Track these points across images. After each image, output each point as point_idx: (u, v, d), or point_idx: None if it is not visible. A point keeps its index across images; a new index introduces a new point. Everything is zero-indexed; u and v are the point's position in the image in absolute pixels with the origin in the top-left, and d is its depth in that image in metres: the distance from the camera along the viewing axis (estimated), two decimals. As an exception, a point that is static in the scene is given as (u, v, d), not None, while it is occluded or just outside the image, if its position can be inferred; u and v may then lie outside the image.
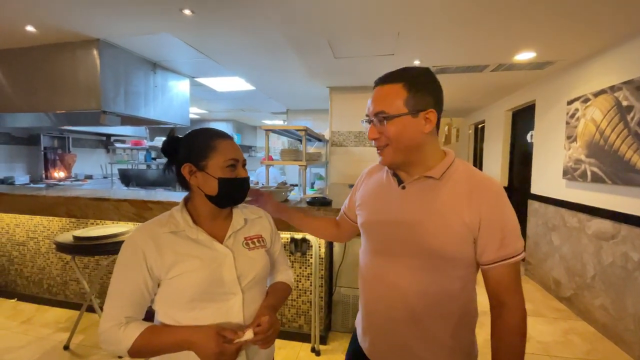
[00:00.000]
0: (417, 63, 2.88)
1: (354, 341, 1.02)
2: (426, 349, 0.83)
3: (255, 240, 0.96)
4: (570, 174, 2.79)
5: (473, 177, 0.81)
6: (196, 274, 0.82)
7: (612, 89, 2.32)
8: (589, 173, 2.55)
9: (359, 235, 1.06)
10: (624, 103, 2.21)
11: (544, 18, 1.99)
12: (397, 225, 0.83)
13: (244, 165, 0.94)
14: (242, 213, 0.98)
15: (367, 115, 0.84)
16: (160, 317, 0.86)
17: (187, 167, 0.88)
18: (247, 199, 1.03)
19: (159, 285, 0.84)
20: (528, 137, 3.78)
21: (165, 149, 0.92)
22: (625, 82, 2.21)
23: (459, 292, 0.81)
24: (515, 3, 1.82)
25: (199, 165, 0.88)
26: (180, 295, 0.82)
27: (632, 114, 2.14)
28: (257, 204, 1.14)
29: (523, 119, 3.98)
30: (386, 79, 0.82)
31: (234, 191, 0.91)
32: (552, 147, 3.15)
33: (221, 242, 0.89)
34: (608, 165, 2.35)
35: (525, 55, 2.62)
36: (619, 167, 2.24)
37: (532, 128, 3.62)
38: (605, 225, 2.42)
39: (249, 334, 0.80)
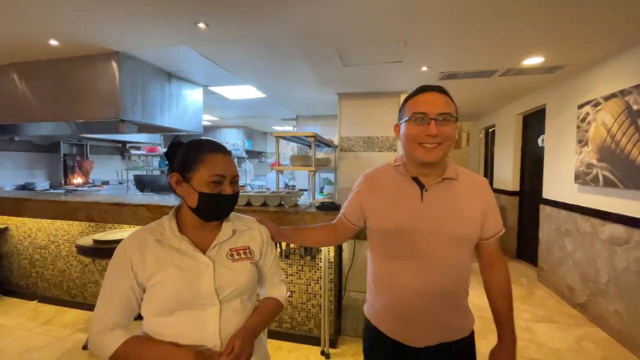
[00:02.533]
0: (424, 69, 2.92)
1: (375, 336, 1.04)
2: (455, 314, 1.00)
3: (241, 251, 0.94)
4: (582, 178, 2.77)
5: (470, 174, 1.03)
6: (173, 283, 0.83)
7: (623, 92, 2.31)
8: (601, 177, 2.53)
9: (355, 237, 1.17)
10: (635, 107, 2.19)
11: (550, 23, 2.00)
12: (426, 224, 0.95)
13: (234, 181, 0.92)
14: (231, 224, 0.97)
15: (422, 113, 0.92)
16: (144, 323, 0.87)
17: (175, 177, 0.90)
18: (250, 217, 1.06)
19: (144, 292, 0.86)
20: (539, 142, 3.76)
21: (167, 154, 0.94)
22: (635, 86, 2.20)
23: (469, 263, 1.01)
24: (521, 9, 1.85)
25: (185, 177, 0.88)
26: (159, 302, 0.83)
27: (643, 118, 2.13)
28: None
29: (534, 123, 3.96)
30: (440, 89, 0.95)
31: (213, 207, 0.89)
32: (563, 151, 3.13)
33: (206, 251, 0.89)
34: (620, 170, 2.33)
35: (533, 60, 2.63)
36: (631, 171, 2.22)
37: (543, 132, 3.60)
38: (619, 230, 2.39)
39: None
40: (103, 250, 2.07)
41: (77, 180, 4.94)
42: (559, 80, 3.17)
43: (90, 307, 2.75)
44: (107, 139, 5.11)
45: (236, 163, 0.99)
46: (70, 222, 2.77)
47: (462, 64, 2.78)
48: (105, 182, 5.38)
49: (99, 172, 5.38)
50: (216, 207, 0.90)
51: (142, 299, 0.86)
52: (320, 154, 4.14)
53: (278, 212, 2.05)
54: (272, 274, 1.05)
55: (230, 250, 0.93)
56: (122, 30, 2.23)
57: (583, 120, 2.77)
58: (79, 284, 2.82)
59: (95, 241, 2.11)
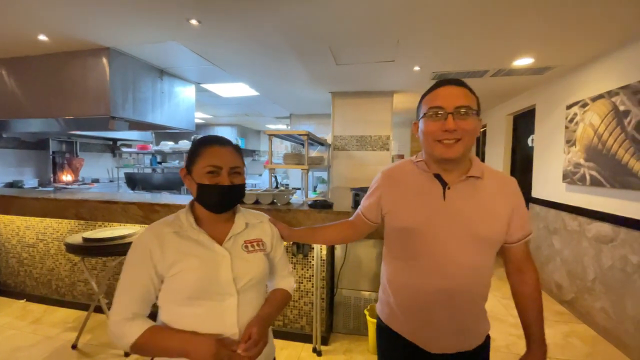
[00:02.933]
0: (417, 69, 2.94)
1: (389, 336, 1.03)
2: (474, 319, 0.97)
3: (255, 243, 0.99)
4: (569, 177, 2.82)
5: (497, 173, 0.98)
6: (194, 273, 0.86)
7: (610, 93, 2.36)
8: (588, 177, 2.58)
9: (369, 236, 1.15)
10: (621, 108, 2.24)
11: (541, 25, 2.04)
12: (447, 223, 0.91)
13: (234, 172, 0.94)
14: (244, 217, 1.01)
15: (439, 107, 0.87)
16: (162, 313, 0.90)
17: (183, 171, 0.96)
18: (261, 213, 1.08)
19: (162, 282, 0.89)
20: (529, 141, 3.81)
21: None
22: (622, 87, 2.25)
23: (492, 265, 0.96)
24: (511, 10, 1.87)
25: (189, 170, 0.95)
26: (179, 292, 0.86)
27: (628, 119, 2.17)
28: None
29: (524, 123, 4.01)
30: (458, 82, 0.91)
31: (210, 198, 0.92)
32: (552, 151, 3.18)
33: (221, 244, 0.93)
34: (606, 169, 2.38)
35: (523, 61, 2.66)
36: (617, 170, 2.27)
37: (532, 132, 3.65)
38: (605, 228, 2.44)
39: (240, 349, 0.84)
40: (92, 249, 2.05)
41: (67, 177, 4.86)
42: (549, 81, 3.22)
43: (79, 306, 2.72)
44: (98, 136, 5.05)
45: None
46: (59, 220, 2.73)
47: (454, 64, 2.81)
48: (96, 180, 5.30)
49: (89, 169, 5.30)
50: (214, 197, 0.92)
51: (159, 290, 0.89)
52: (314, 152, 4.15)
53: (271, 209, 2.06)
54: (282, 266, 1.10)
55: (245, 242, 0.97)
56: (112, 25, 2.20)
57: (571, 120, 2.82)
58: (67, 282, 2.79)
59: (85, 239, 2.08)
